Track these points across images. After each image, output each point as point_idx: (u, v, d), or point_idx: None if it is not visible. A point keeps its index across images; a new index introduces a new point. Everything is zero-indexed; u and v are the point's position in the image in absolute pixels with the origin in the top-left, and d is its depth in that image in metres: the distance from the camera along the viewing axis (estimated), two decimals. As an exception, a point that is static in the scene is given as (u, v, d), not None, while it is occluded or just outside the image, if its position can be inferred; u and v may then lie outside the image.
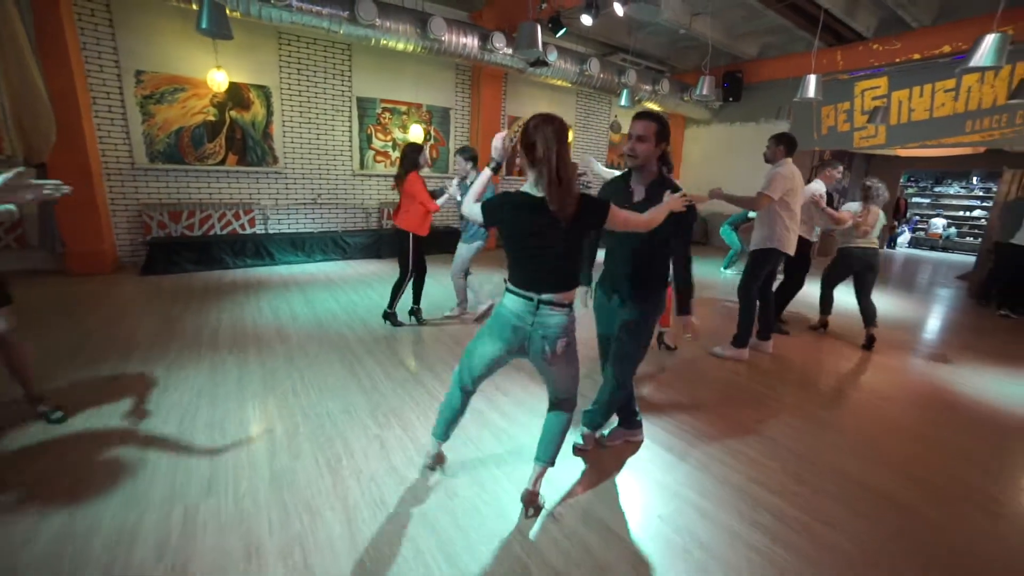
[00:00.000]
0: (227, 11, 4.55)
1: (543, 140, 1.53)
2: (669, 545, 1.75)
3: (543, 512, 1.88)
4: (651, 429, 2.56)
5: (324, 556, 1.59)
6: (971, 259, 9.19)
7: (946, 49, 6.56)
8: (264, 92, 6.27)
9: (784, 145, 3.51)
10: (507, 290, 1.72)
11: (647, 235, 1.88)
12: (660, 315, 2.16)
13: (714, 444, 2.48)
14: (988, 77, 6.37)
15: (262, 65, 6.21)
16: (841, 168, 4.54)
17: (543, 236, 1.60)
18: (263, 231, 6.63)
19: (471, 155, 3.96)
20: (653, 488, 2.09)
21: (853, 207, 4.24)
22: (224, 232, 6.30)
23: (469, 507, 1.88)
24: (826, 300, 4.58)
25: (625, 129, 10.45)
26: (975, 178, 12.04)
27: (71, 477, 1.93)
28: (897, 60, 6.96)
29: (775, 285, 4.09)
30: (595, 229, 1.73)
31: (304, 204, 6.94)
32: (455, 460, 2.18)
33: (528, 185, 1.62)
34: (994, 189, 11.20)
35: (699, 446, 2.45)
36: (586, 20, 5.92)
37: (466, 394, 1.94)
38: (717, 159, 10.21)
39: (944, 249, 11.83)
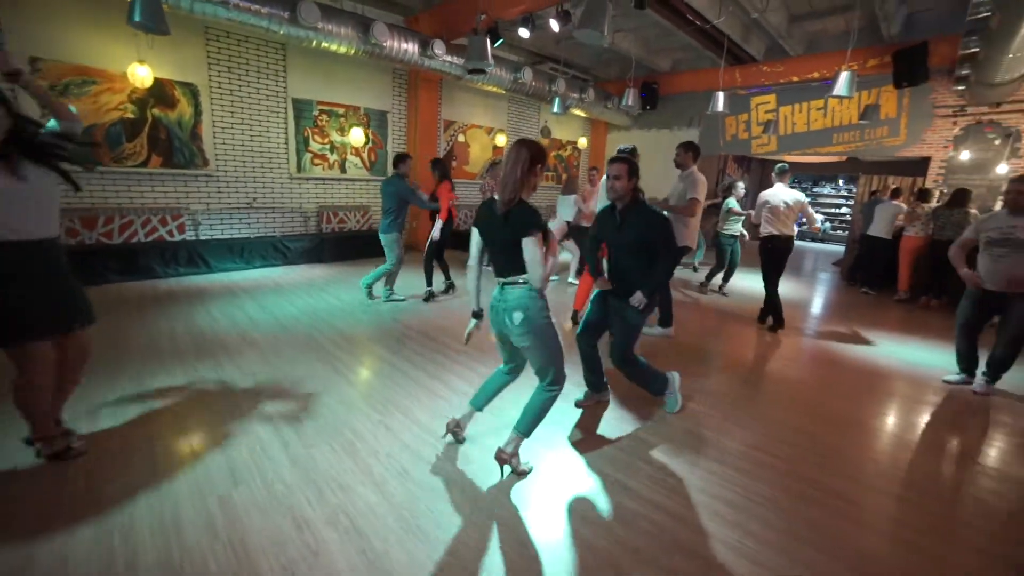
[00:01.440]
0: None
1: (507, 154, 1.94)
2: (653, 481, 2.17)
3: (526, 474, 2.13)
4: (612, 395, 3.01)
5: (369, 519, 1.80)
6: (842, 248, 11.01)
7: (815, 75, 7.87)
8: (191, 90, 5.94)
9: (693, 152, 4.10)
10: None
11: (633, 252, 2.48)
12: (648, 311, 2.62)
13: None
14: (846, 100, 7.77)
15: (188, 61, 5.88)
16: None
17: (498, 231, 1.95)
18: (194, 237, 6.25)
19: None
20: (630, 439, 2.51)
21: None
22: (149, 239, 5.87)
23: (482, 470, 2.16)
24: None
25: (555, 133, 11.09)
26: (840, 181, 14.29)
27: (80, 485, 1.92)
28: (781, 81, 8.20)
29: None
30: (521, 236, 1.85)
31: (239, 208, 6.64)
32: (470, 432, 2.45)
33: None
34: (854, 190, 13.42)
35: (654, 404, 2.93)
36: (523, 33, 6.34)
37: (501, 374, 2.29)
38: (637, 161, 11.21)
39: (823, 241, 13.92)
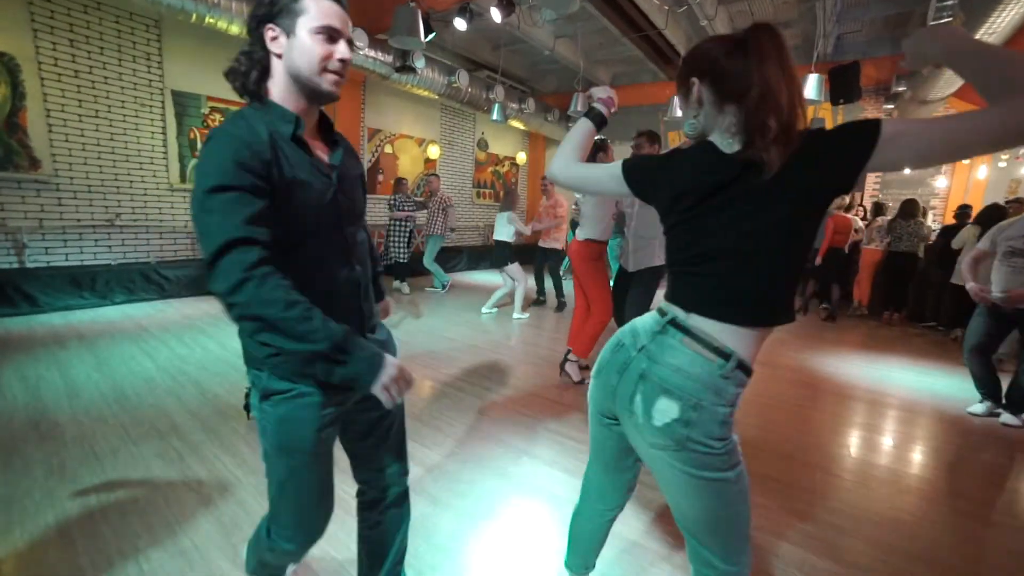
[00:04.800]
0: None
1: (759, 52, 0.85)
2: None
3: None
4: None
5: None
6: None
7: (756, 88, 7.81)
8: (4, 63, 4.37)
9: (648, 138, 3.33)
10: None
11: None
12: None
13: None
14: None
15: None
16: None
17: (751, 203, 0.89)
18: (14, 265, 4.59)
19: None
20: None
21: None
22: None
23: None
24: None
25: (492, 148, 10.32)
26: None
27: None
28: (723, 95, 8.07)
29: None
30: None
31: (94, 227, 5.06)
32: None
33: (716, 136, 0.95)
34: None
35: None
36: (460, 24, 5.50)
37: (597, 512, 1.27)
38: (579, 179, 10.76)
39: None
